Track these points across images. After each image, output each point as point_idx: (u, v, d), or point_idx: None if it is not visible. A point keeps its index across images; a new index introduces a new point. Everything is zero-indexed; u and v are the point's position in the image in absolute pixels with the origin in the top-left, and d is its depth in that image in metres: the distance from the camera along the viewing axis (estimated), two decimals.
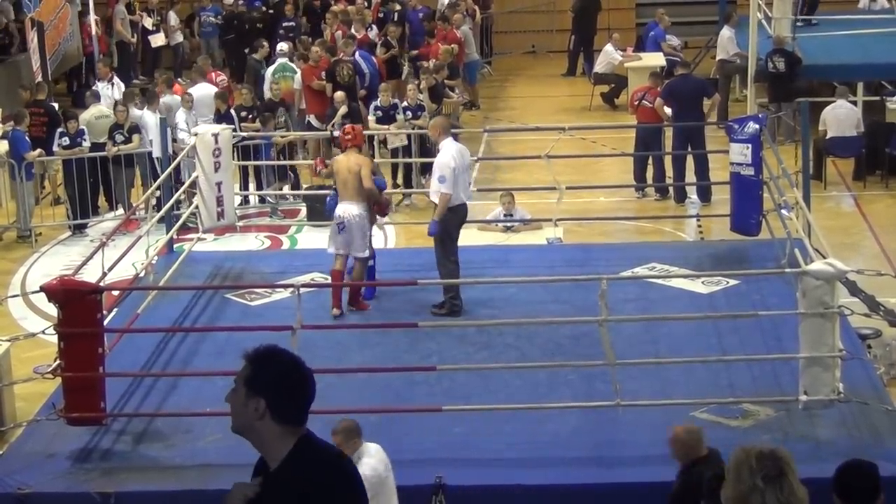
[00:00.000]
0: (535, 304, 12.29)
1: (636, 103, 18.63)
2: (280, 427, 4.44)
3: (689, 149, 17.32)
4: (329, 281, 12.51)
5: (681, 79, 18.43)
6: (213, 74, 20.66)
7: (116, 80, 21.04)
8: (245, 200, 18.03)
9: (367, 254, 12.39)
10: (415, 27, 24.27)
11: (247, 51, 23.57)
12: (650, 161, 18.10)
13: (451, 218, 12.35)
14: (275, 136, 18.52)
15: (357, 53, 21.10)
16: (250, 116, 18.43)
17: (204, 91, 18.95)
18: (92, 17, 24.20)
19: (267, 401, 4.42)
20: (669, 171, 18.03)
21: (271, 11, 25.65)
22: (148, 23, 26.18)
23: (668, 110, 17.88)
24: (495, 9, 28.19)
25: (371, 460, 8.35)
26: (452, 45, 22.36)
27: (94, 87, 20.50)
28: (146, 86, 23.81)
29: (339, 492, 4.44)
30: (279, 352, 4.52)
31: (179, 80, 24.81)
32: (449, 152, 12.33)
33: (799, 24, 22.17)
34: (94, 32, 24.41)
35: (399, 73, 22.47)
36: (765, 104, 20.41)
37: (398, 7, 25.01)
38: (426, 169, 18.05)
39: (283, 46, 20.98)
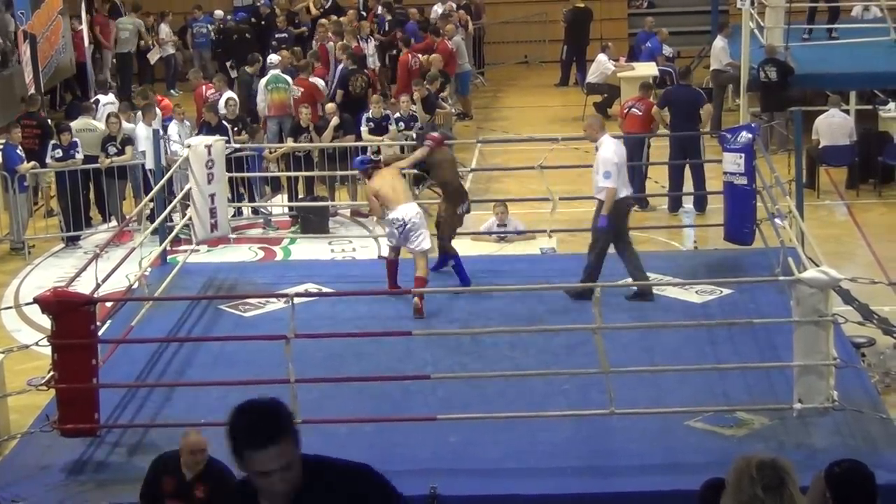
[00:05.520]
0: (530, 313, 12.30)
1: (625, 112, 18.62)
2: None
3: (686, 159, 17.32)
4: (322, 291, 12.50)
5: (677, 88, 18.42)
6: (203, 87, 20.63)
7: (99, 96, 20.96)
8: (238, 212, 18.00)
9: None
10: (410, 37, 24.26)
11: (229, 64, 23.56)
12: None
13: (615, 212, 12.50)
14: (266, 147, 18.52)
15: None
16: (237, 128, 18.39)
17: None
18: (85, 29, 24.19)
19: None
20: (661, 181, 18.03)
21: (263, 23, 25.65)
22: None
23: (664, 113, 17.93)
24: (487, 19, 28.19)
25: None
26: (436, 56, 22.32)
27: (88, 100, 20.49)
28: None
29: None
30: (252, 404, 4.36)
31: (173, 91, 24.80)
32: (610, 148, 12.52)
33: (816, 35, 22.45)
34: (87, 45, 24.41)
35: None
36: (757, 113, 20.42)
37: (389, 17, 25.01)
38: (419, 180, 18.06)
39: (274, 58, 20.95)
